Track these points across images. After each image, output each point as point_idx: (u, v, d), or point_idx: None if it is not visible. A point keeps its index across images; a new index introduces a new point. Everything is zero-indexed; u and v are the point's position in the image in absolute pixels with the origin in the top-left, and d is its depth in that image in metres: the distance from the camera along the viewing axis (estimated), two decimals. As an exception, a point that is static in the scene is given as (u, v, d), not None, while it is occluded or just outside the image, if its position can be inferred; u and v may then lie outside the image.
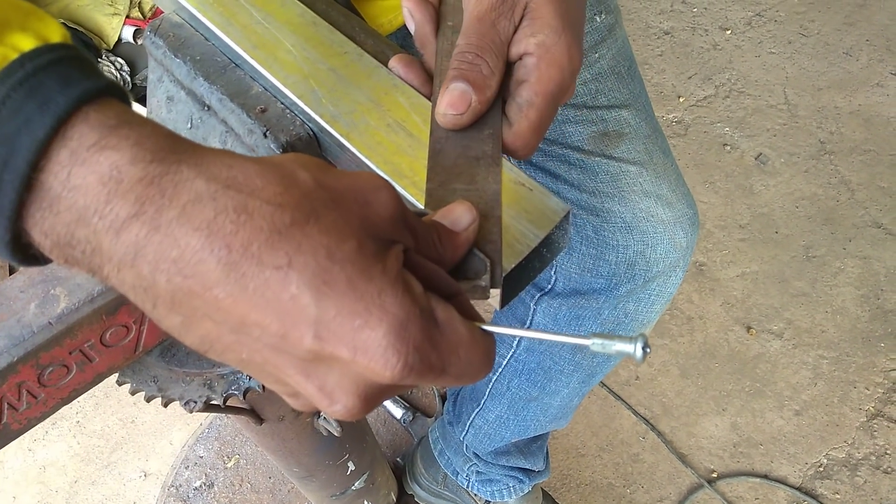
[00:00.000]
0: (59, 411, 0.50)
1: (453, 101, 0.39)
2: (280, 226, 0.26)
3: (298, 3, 0.50)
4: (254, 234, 0.26)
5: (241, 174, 0.27)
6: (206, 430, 1.44)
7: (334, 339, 0.26)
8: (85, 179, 0.26)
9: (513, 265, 0.37)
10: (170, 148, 0.27)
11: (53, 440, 1.61)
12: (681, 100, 2.24)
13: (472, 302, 0.35)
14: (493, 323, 0.32)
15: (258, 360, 0.28)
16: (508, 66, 0.41)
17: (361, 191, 0.30)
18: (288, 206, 0.27)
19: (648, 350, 0.31)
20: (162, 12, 0.53)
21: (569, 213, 0.40)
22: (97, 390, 1.65)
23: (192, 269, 0.26)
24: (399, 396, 1.47)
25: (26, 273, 0.47)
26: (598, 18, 0.72)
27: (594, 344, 0.31)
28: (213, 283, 0.26)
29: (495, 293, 0.36)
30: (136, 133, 0.27)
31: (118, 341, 0.49)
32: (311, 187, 0.28)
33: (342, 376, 0.28)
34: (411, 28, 0.46)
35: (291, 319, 0.26)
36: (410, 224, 0.31)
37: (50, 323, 0.44)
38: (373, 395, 0.29)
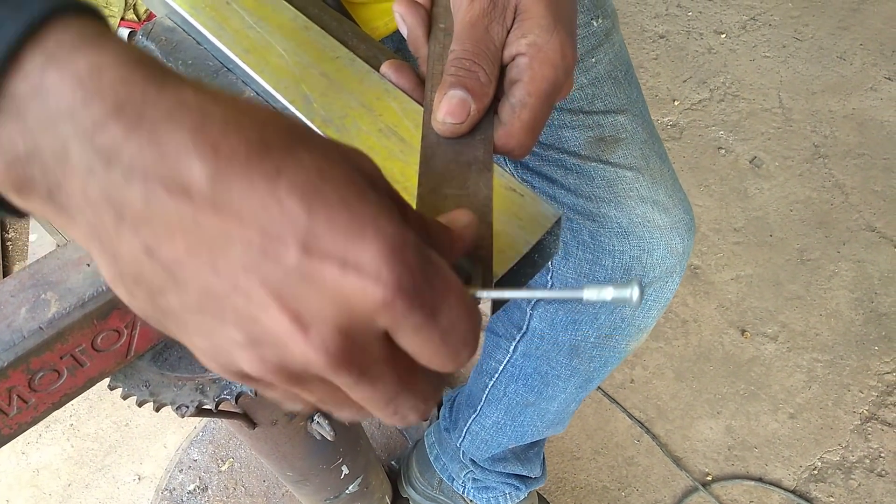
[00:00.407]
0: (53, 414, 0.49)
1: (452, 109, 0.39)
2: (269, 140, 0.25)
3: (290, 7, 0.50)
4: (242, 142, 0.24)
5: (227, 95, 0.26)
6: (201, 434, 1.44)
7: (323, 253, 0.24)
8: (60, 80, 0.24)
9: (504, 271, 0.37)
10: (153, 62, 0.26)
11: (47, 443, 1.61)
12: (675, 103, 2.24)
13: None
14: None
15: (225, 286, 0.25)
16: (501, 68, 0.41)
17: (348, 148, 0.29)
18: (277, 126, 0.26)
19: (642, 293, 0.30)
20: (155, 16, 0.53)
21: (560, 218, 0.40)
22: (91, 393, 1.65)
23: (173, 173, 0.24)
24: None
25: (17, 278, 0.47)
26: (594, 23, 0.72)
27: (588, 293, 0.31)
28: (194, 189, 0.24)
29: (486, 300, 0.36)
30: (120, 44, 0.25)
31: (109, 346, 0.49)
32: (296, 122, 0.27)
33: (324, 301, 0.25)
34: (403, 32, 0.46)
35: (277, 229, 0.24)
36: (399, 201, 0.30)
37: (40, 328, 0.44)
38: (355, 335, 0.26)
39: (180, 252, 0.25)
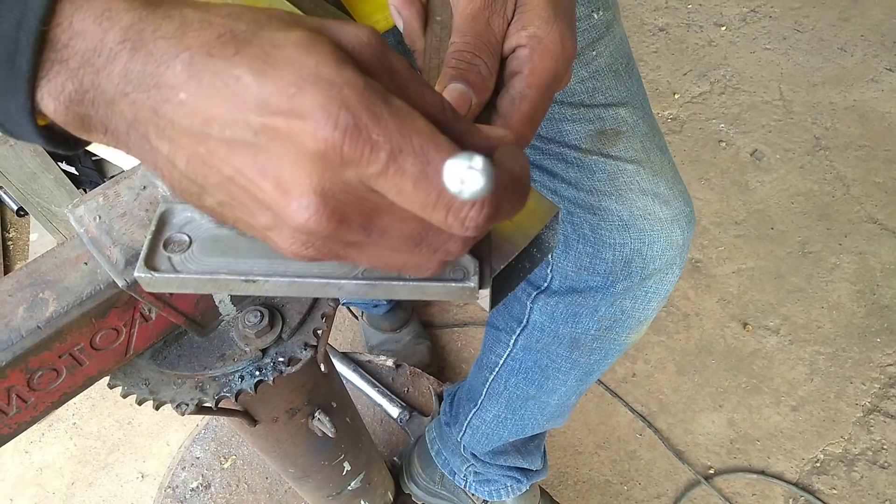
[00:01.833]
0: (55, 413, 0.49)
1: (454, 102, 0.38)
2: (236, 29, 0.28)
3: (286, 2, 0.50)
4: (211, 38, 0.28)
5: (212, 3, 0.30)
6: (203, 431, 1.44)
7: (273, 110, 0.27)
8: (83, 23, 0.28)
9: (502, 266, 0.37)
10: None
11: (50, 442, 1.61)
12: (676, 96, 2.24)
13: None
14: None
15: (224, 176, 0.28)
16: (501, 60, 0.41)
17: (337, 22, 0.30)
18: (246, 17, 0.29)
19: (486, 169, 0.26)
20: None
21: (558, 212, 0.40)
22: (93, 392, 1.65)
23: (163, 78, 0.28)
24: (396, 395, 1.47)
25: (14, 277, 0.47)
26: (595, 16, 0.71)
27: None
28: (178, 85, 0.27)
29: (484, 294, 0.36)
30: None
31: (108, 344, 0.49)
32: (273, 11, 0.30)
33: (293, 161, 0.27)
34: (399, 25, 0.45)
35: (237, 102, 0.27)
36: (391, 66, 0.30)
37: (39, 327, 0.44)
38: (333, 190, 0.27)
39: (189, 153, 0.29)
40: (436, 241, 0.30)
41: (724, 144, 2.11)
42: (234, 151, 0.28)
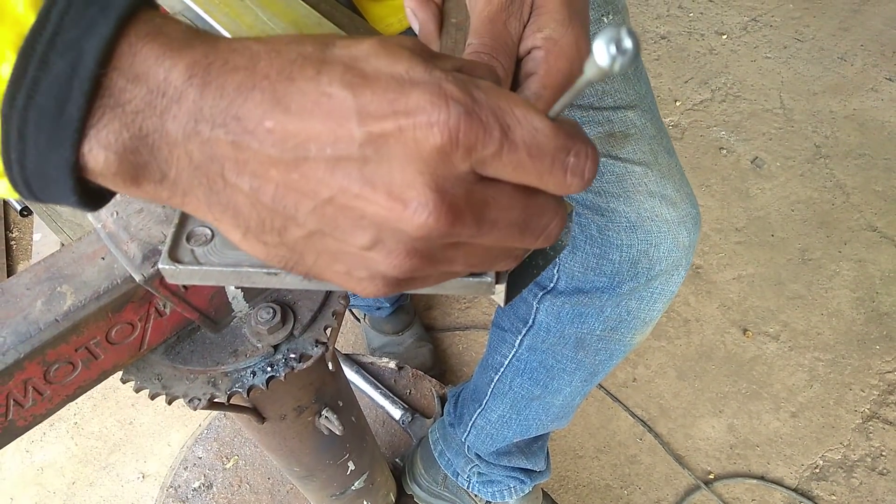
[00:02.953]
0: (57, 413, 0.50)
1: None
2: (305, 52, 0.28)
3: (303, 4, 0.51)
4: (286, 63, 0.28)
5: (262, 37, 0.30)
6: (205, 431, 1.44)
7: (378, 117, 0.26)
8: (144, 64, 0.27)
9: (516, 263, 0.38)
10: (205, 32, 0.30)
11: (51, 441, 1.61)
12: (677, 104, 2.25)
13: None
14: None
15: (323, 197, 0.28)
16: (517, 63, 0.42)
17: (383, 37, 0.30)
18: (307, 40, 0.29)
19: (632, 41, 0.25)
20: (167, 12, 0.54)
21: (572, 211, 0.41)
22: (95, 392, 1.65)
23: (243, 110, 0.27)
24: (398, 397, 1.48)
25: (32, 271, 0.47)
26: (605, 19, 0.72)
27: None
28: (261, 116, 0.27)
29: (500, 290, 0.37)
30: (183, 25, 0.29)
31: (123, 339, 0.50)
32: (323, 35, 0.30)
33: (403, 165, 0.27)
34: (415, 27, 0.46)
35: (335, 118, 0.27)
36: (447, 59, 0.30)
37: (56, 320, 0.45)
38: (448, 186, 0.27)
39: (277, 183, 0.28)
40: (539, 225, 0.30)
41: (724, 152, 2.12)
42: (337, 169, 0.27)
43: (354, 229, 0.28)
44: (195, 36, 0.29)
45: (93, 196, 0.30)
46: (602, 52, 0.24)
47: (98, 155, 0.28)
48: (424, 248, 0.29)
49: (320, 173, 0.27)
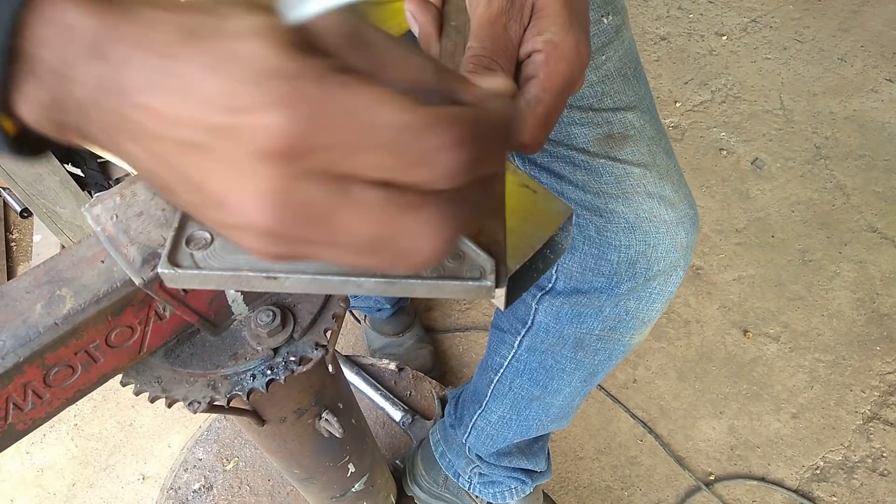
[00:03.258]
0: (58, 415, 0.50)
1: None
2: (195, 25, 0.27)
3: None
4: (168, 37, 0.27)
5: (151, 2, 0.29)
6: (205, 433, 1.44)
7: (222, 108, 0.26)
8: (47, 33, 0.28)
9: (517, 266, 0.38)
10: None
11: (51, 443, 1.61)
12: (677, 105, 2.25)
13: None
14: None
15: (181, 170, 0.28)
16: (517, 66, 0.42)
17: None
18: (209, 9, 0.28)
19: None
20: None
21: (572, 214, 0.41)
22: (95, 393, 1.65)
23: (125, 81, 0.27)
24: (398, 399, 1.47)
25: (32, 274, 0.47)
26: (605, 20, 0.72)
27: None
28: (137, 88, 0.27)
29: (500, 293, 0.37)
30: None
31: (123, 342, 0.50)
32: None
33: (245, 161, 0.26)
34: (415, 30, 0.46)
35: (186, 102, 0.26)
36: (366, 39, 0.29)
37: (56, 323, 0.44)
38: (285, 188, 0.26)
39: (150, 156, 0.28)
40: (397, 246, 0.28)
41: (724, 153, 2.12)
42: (185, 153, 0.27)
43: (218, 211, 0.28)
44: (92, 2, 0.29)
45: (34, 143, 0.32)
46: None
47: (24, 111, 0.30)
48: (278, 240, 0.28)
49: (175, 153, 0.27)
